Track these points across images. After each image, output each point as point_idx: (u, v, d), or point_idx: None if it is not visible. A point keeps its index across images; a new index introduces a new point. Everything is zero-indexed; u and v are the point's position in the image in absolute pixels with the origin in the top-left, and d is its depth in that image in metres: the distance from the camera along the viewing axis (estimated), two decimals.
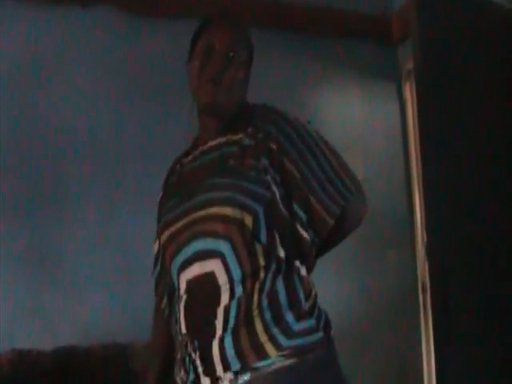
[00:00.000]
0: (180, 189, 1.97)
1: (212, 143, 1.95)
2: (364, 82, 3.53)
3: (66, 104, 3.12)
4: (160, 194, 2.08)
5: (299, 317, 1.82)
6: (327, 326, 1.87)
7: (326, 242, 1.93)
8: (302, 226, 1.87)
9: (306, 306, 1.84)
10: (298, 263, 1.87)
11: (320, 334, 1.84)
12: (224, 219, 1.83)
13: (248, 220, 1.82)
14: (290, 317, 1.81)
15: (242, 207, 1.83)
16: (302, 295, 1.84)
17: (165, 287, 2.03)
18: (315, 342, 1.82)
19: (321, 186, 1.88)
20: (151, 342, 2.08)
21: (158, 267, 2.06)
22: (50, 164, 3.07)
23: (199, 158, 1.96)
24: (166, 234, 1.93)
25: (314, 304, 1.87)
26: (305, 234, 1.88)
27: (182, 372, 1.88)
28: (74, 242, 2.93)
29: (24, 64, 3.08)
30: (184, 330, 1.85)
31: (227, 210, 1.83)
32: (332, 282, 3.16)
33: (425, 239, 3.25)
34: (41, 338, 2.91)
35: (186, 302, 1.86)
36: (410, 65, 3.37)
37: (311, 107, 3.38)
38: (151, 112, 3.17)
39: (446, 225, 3.23)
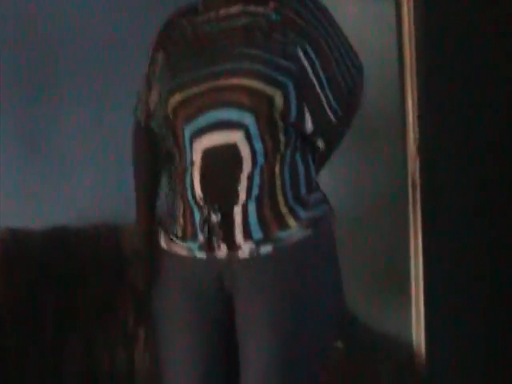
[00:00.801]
0: (195, 50, 1.89)
1: (232, 10, 1.88)
2: None
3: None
4: (156, 46, 1.98)
5: (311, 190, 1.89)
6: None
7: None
8: (329, 105, 1.89)
9: (315, 180, 1.93)
10: (318, 140, 1.92)
11: (328, 206, 1.93)
12: (252, 92, 1.81)
13: (278, 96, 1.82)
14: (303, 190, 1.87)
15: (272, 82, 1.82)
16: (313, 171, 1.92)
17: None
18: (326, 213, 1.91)
19: (343, 60, 1.92)
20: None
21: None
22: (43, 52, 3.03)
23: (217, 23, 1.89)
24: (178, 97, 1.86)
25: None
26: (331, 115, 1.91)
27: (188, 231, 1.87)
28: (67, 124, 2.92)
29: None
30: (200, 194, 1.84)
31: (255, 84, 1.81)
32: (320, 174, 3.19)
33: (416, 135, 3.25)
34: (33, 218, 2.93)
35: (203, 168, 1.84)
36: None
37: None
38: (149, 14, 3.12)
39: (439, 121, 3.26)
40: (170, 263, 1.93)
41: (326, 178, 3.22)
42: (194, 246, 1.87)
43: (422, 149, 3.25)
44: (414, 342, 3.33)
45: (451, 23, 3.25)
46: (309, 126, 1.88)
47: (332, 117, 1.91)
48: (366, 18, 3.48)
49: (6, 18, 3.01)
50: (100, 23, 3.12)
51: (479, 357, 3.34)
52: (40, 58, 3.04)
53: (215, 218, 1.82)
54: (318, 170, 2.01)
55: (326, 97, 1.89)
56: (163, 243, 1.95)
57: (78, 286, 2.86)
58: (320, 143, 1.94)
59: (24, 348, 2.79)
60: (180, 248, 1.90)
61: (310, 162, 1.92)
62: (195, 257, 1.87)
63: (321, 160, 2.02)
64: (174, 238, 1.92)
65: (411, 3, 3.27)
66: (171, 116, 1.89)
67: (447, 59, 3.25)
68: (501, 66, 3.25)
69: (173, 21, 1.97)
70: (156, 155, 2.01)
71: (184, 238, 1.89)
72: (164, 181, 2.01)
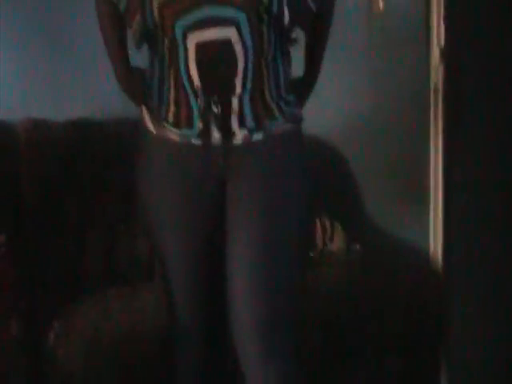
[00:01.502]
0: None
1: None
2: None
3: None
4: None
5: (288, 91, 2.05)
6: None
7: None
8: None
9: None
10: (294, 32, 2.03)
11: (299, 108, 2.12)
12: None
13: None
14: (284, 88, 2.03)
15: None
16: (290, 73, 2.08)
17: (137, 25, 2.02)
18: (300, 113, 2.11)
19: None
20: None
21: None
22: None
23: None
24: None
25: None
26: (311, 5, 2.03)
27: (183, 117, 1.98)
28: (90, 16, 2.89)
29: None
30: (198, 83, 1.94)
31: None
32: (344, 74, 3.20)
33: (442, 40, 3.21)
34: (56, 109, 2.94)
35: (198, 60, 1.93)
36: None
37: None
38: None
39: (465, 25, 3.21)
40: (161, 147, 2.03)
41: (346, 83, 3.25)
42: (190, 132, 1.99)
43: (447, 55, 3.21)
44: (431, 250, 3.36)
45: None
46: (286, 18, 1.96)
47: (312, 5, 2.03)
48: None
49: None
50: None
51: (496, 265, 3.35)
52: None
53: (215, 108, 1.95)
54: (316, 72, 2.19)
55: None
56: (152, 127, 2.04)
57: (99, 179, 2.87)
58: (295, 34, 2.04)
59: (46, 241, 2.81)
60: (173, 134, 2.00)
61: (288, 65, 2.07)
62: (190, 142, 1.99)
63: (315, 58, 2.18)
64: (167, 125, 2.00)
65: None
66: (156, 13, 1.94)
67: None
68: None
69: None
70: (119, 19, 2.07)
71: (178, 125, 1.99)
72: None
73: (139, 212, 2.17)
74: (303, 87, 2.20)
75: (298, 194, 2.06)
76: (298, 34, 2.07)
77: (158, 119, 2.02)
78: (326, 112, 3.18)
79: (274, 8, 1.93)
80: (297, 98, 2.11)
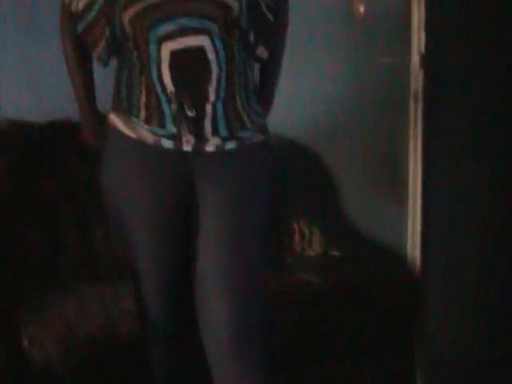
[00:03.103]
0: None
1: None
2: None
3: None
4: None
5: (256, 101, 2.11)
6: None
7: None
8: (268, 8, 2.08)
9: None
10: (260, 49, 2.09)
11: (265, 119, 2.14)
12: (216, 3, 1.97)
13: (234, 5, 1.98)
14: (253, 98, 2.09)
15: None
16: (257, 84, 2.14)
17: (105, 40, 2.06)
18: (266, 124, 2.14)
19: None
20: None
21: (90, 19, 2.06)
22: None
23: None
24: (137, 7, 1.96)
25: None
26: (270, 16, 2.09)
27: (154, 120, 2.00)
28: None
29: None
30: (172, 89, 1.97)
31: None
32: (323, 79, 3.21)
33: (422, 46, 3.23)
34: (34, 110, 2.92)
35: (172, 66, 1.96)
36: None
37: None
38: None
39: (445, 32, 3.23)
40: (132, 148, 2.05)
41: (325, 88, 3.26)
42: (161, 131, 2.00)
43: (427, 62, 3.24)
44: (409, 254, 3.37)
45: None
46: (252, 34, 2.05)
47: (270, 16, 2.09)
48: None
49: None
50: None
51: (473, 270, 3.38)
52: None
53: (190, 113, 1.97)
54: (272, 84, 2.23)
55: (267, 6, 2.08)
56: (123, 128, 2.05)
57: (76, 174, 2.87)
58: (261, 51, 2.09)
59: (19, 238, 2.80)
60: (145, 132, 2.01)
61: (255, 72, 2.13)
62: (162, 146, 2.01)
63: (271, 72, 2.22)
64: (141, 122, 2.01)
65: None
66: (127, 25, 1.98)
67: None
68: None
69: None
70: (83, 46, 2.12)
71: (149, 123, 2.01)
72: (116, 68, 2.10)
73: (107, 210, 2.16)
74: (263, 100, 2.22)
75: (265, 202, 2.09)
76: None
77: (128, 119, 2.04)
78: (304, 116, 3.19)
79: (242, 23, 2.00)
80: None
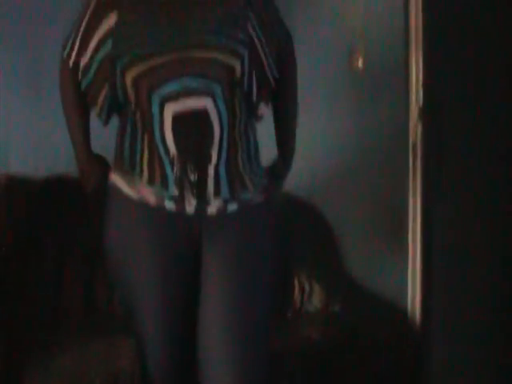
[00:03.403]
0: (154, 17, 1.97)
1: None
2: None
3: None
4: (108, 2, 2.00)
5: (258, 161, 2.09)
6: None
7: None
8: (270, 69, 2.06)
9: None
10: (261, 108, 2.08)
11: (266, 179, 2.11)
12: (219, 64, 1.96)
13: (237, 66, 1.97)
14: (254, 159, 2.07)
15: (234, 54, 1.97)
16: (258, 144, 2.10)
17: (105, 99, 2.05)
18: (267, 184, 2.11)
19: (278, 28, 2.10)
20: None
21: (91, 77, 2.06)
22: None
23: None
24: (141, 67, 1.95)
25: None
26: (271, 78, 2.07)
27: (157, 182, 1.98)
28: None
29: None
30: (174, 152, 1.96)
31: (222, 57, 1.96)
32: (323, 132, 3.23)
33: (420, 99, 3.25)
34: (36, 164, 2.94)
35: (175, 128, 1.95)
36: None
37: None
38: None
39: (443, 88, 3.26)
40: (135, 209, 2.03)
41: (325, 141, 3.27)
42: (164, 193, 1.98)
43: (425, 115, 3.26)
44: (409, 308, 3.36)
45: None
46: (255, 93, 2.04)
47: (271, 80, 2.07)
48: None
49: None
50: None
51: (475, 324, 3.36)
52: None
53: (192, 176, 1.96)
54: (291, 137, 2.21)
55: (269, 65, 2.06)
56: (125, 188, 2.03)
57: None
58: (261, 110, 2.09)
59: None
60: (148, 193, 2.00)
61: (256, 133, 2.09)
62: (164, 207, 1.99)
63: (285, 135, 2.20)
64: (143, 183, 2.00)
65: None
66: (130, 86, 1.97)
67: (453, 27, 3.25)
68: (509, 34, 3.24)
69: None
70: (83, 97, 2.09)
71: (152, 184, 1.99)
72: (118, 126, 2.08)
73: (109, 269, 2.14)
74: (280, 168, 2.22)
75: (268, 262, 2.08)
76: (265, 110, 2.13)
77: (130, 179, 2.02)
78: (303, 169, 3.18)
79: (245, 84, 2.00)
80: (275, 179, 2.16)
